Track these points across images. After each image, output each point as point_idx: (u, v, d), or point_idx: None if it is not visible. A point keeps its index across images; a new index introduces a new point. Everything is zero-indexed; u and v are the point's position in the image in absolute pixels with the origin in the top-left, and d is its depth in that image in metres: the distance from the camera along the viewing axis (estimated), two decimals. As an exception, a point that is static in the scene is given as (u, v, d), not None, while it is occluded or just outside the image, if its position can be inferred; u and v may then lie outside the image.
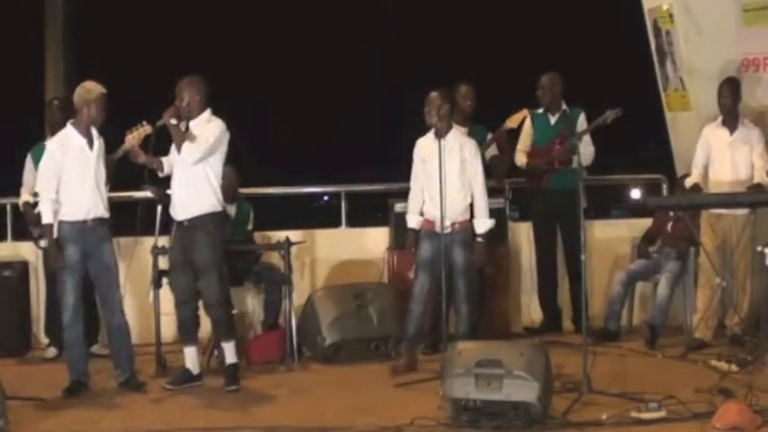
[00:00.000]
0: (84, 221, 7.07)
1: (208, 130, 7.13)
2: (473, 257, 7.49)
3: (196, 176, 7.12)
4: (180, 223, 7.19)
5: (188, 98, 7.14)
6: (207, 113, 7.19)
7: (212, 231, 7.10)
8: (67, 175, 7.06)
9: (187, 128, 7.15)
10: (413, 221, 7.67)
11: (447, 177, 7.31)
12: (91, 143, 7.12)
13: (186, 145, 7.07)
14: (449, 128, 7.47)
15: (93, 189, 7.08)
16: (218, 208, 7.18)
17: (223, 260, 7.21)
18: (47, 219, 7.07)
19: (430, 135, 7.52)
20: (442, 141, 7.34)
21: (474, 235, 7.49)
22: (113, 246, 7.26)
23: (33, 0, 15.14)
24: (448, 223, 7.39)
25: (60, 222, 7.06)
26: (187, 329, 7.30)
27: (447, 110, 7.44)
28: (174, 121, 7.11)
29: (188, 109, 7.15)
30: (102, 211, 7.12)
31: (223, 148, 7.20)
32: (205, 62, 12.31)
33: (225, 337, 7.25)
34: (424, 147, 7.55)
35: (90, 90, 7.14)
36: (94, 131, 7.16)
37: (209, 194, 7.13)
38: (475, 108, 8.52)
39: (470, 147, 7.51)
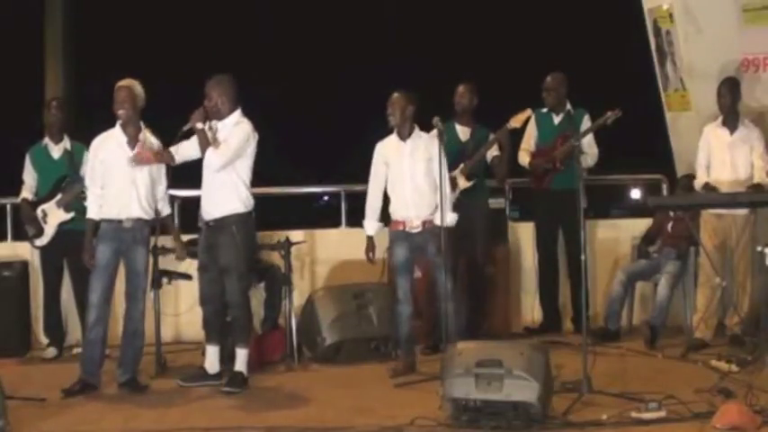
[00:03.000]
0: (120, 221, 7.03)
1: (233, 134, 7.08)
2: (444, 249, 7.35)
3: (222, 179, 7.09)
4: (207, 223, 7.21)
5: (216, 98, 7.09)
6: (235, 115, 7.13)
7: (234, 233, 7.06)
8: (105, 173, 7.06)
9: (210, 127, 7.10)
10: (371, 228, 7.65)
11: (415, 177, 7.40)
12: (133, 143, 7.08)
13: (210, 151, 7.02)
14: (412, 129, 7.49)
15: (126, 188, 7.02)
16: (242, 209, 7.12)
17: (246, 262, 7.16)
18: (90, 213, 7.10)
19: (392, 137, 7.55)
20: (407, 142, 7.43)
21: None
22: (146, 250, 7.14)
23: (33, 0, 15.13)
24: (418, 222, 7.41)
25: (101, 220, 7.06)
26: (208, 328, 7.31)
27: (411, 111, 7.46)
28: (200, 125, 7.05)
29: (216, 109, 7.10)
30: (137, 211, 7.04)
31: (249, 151, 7.13)
32: (205, 62, 12.29)
33: (237, 341, 7.21)
34: (387, 149, 7.56)
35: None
36: (145, 133, 7.10)
37: (233, 197, 7.09)
38: (478, 107, 8.52)
39: (435, 145, 7.42)
